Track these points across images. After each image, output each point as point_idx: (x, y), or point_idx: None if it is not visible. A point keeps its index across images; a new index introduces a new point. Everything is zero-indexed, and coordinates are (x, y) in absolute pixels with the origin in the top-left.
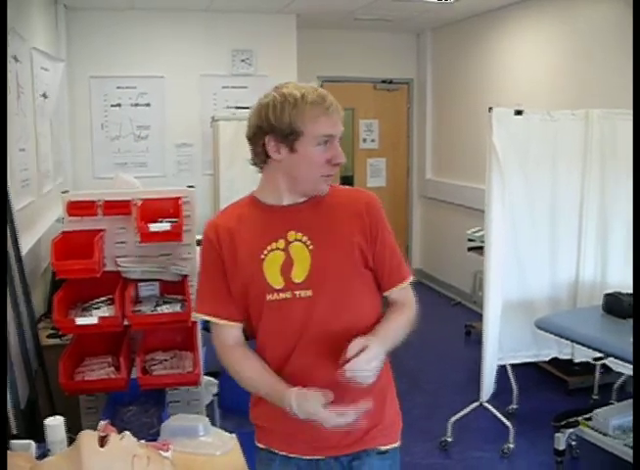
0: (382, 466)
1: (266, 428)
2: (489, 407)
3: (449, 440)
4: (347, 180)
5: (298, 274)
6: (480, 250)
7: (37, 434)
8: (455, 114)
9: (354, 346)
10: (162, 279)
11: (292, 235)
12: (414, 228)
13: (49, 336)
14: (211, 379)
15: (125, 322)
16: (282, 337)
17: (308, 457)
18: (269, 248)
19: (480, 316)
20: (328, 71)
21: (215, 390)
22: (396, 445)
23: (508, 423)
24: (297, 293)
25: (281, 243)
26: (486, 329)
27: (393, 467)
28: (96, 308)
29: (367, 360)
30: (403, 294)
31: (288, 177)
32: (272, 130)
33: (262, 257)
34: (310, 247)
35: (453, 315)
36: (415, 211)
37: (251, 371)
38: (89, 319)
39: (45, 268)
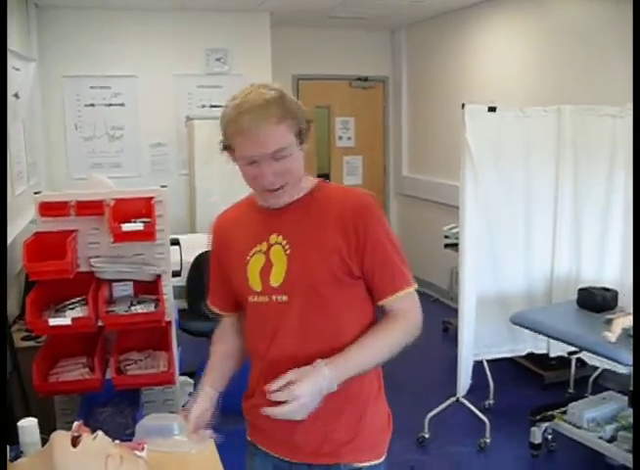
0: None
1: (251, 423)
2: (466, 403)
3: (427, 435)
4: (323, 178)
5: (276, 278)
6: (456, 246)
7: (11, 436)
8: (430, 111)
9: (283, 378)
10: (136, 279)
11: (273, 238)
12: (391, 225)
13: (23, 338)
14: (187, 379)
15: (99, 323)
16: (260, 337)
17: (284, 458)
18: (254, 250)
19: (457, 313)
20: (303, 69)
21: (191, 389)
22: (377, 461)
23: (484, 418)
24: (275, 297)
25: (264, 246)
26: (462, 325)
27: None
28: (70, 309)
29: (287, 395)
30: (399, 304)
31: None
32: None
33: (247, 259)
34: (288, 251)
35: (431, 312)
36: (392, 209)
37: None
38: (62, 320)
39: (19, 270)
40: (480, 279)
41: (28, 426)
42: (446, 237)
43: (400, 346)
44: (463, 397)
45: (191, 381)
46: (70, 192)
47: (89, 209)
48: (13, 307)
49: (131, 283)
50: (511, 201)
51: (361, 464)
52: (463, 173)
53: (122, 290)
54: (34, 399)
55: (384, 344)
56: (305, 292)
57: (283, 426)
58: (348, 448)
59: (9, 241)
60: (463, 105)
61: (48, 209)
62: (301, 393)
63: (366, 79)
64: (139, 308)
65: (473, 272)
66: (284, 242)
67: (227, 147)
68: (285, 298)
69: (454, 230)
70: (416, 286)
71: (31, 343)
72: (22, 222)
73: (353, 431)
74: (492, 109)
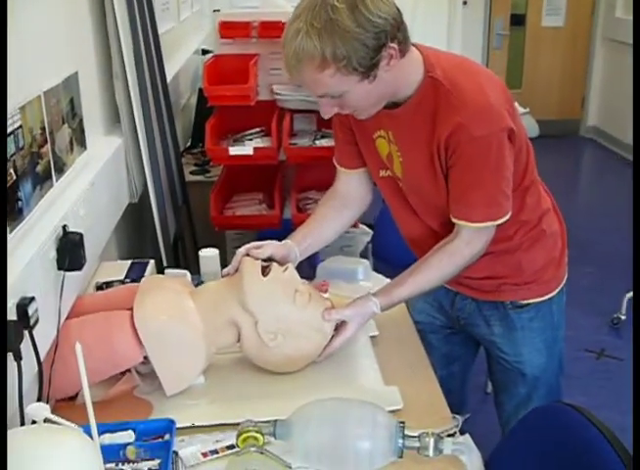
0: (517, 319)
1: None
2: None
3: (622, 317)
4: (518, 19)
5: (397, 171)
6: None
7: (192, 265)
8: None
9: (332, 317)
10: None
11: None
12: (594, 77)
13: (192, 172)
14: (365, 228)
15: (281, 155)
16: (390, 204)
17: (450, 288)
18: (377, 134)
19: None
20: None
21: (369, 238)
22: (542, 298)
23: None
24: (399, 183)
25: (383, 132)
26: None
27: (535, 321)
28: (249, 140)
29: (339, 344)
30: (466, 232)
31: None
32: None
33: (374, 137)
34: (400, 158)
35: (629, 181)
36: (597, 57)
37: None
38: (243, 149)
39: (184, 105)
40: None
41: (210, 256)
42: None
43: (452, 275)
44: None
45: (369, 231)
46: (254, 11)
47: (274, 30)
48: (181, 141)
49: (314, 116)
50: None
51: (525, 301)
52: None
53: (304, 122)
54: (203, 234)
55: (434, 277)
56: (420, 190)
57: None
58: (509, 287)
59: (174, 71)
60: None
61: (229, 28)
62: (350, 333)
63: None
64: (323, 142)
65: None
66: (395, 147)
67: None
68: (406, 187)
69: None
70: (494, 222)
71: (200, 177)
72: (185, 53)
73: (512, 271)
74: None
